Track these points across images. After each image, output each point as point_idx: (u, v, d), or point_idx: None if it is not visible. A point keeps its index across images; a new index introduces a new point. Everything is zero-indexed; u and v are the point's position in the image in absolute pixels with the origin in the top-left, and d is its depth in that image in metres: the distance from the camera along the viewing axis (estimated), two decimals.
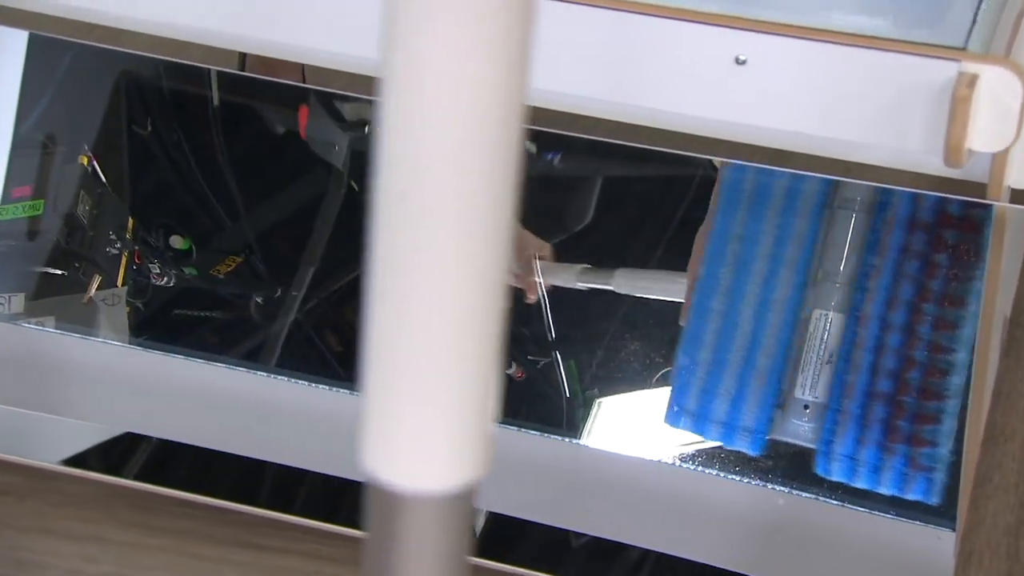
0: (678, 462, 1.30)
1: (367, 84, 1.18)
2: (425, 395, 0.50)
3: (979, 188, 1.14)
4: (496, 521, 1.25)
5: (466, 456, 0.51)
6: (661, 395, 1.29)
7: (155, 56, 1.35)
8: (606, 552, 1.25)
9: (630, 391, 1.34)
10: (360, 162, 1.43)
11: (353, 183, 1.43)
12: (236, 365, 1.36)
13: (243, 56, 1.37)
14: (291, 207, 1.51)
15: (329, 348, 1.42)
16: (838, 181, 1.29)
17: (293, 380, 1.35)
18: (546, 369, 1.37)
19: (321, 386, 1.33)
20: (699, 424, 1.31)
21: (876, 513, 1.25)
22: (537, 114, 1.26)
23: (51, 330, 1.38)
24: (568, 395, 1.35)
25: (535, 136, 1.33)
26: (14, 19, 1.15)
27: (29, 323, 1.38)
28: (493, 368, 0.50)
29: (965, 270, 1.25)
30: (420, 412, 0.50)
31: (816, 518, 1.24)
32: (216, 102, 1.47)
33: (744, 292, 1.31)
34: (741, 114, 0.99)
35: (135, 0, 1.05)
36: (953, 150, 0.91)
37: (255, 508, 1.18)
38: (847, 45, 0.95)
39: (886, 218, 1.28)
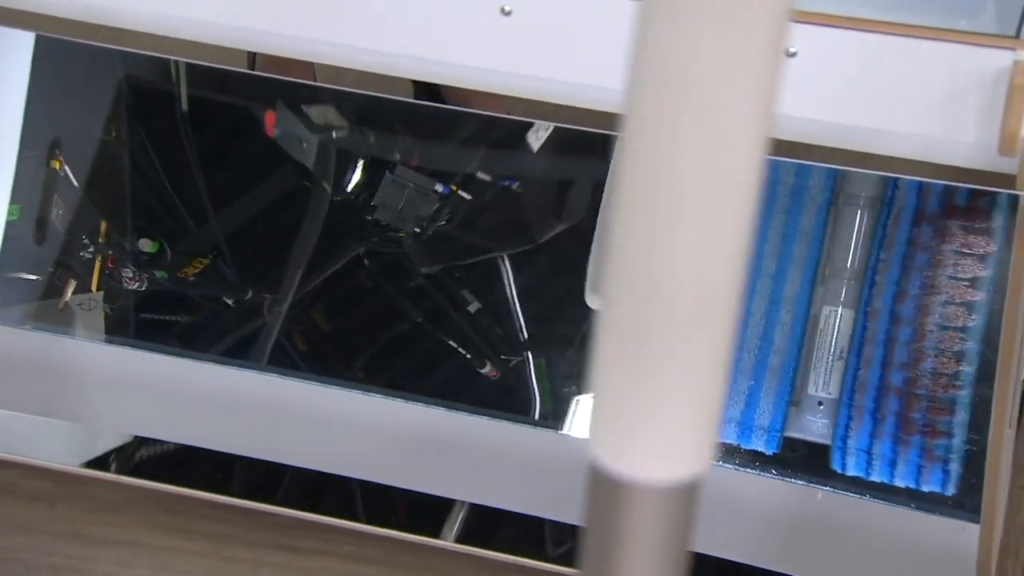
0: None
1: (377, 82, 1.16)
2: (662, 388, 0.48)
3: (997, 178, 1.15)
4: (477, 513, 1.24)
5: (697, 448, 0.50)
6: None
7: (162, 55, 1.31)
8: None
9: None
10: (328, 163, 1.41)
11: (325, 184, 1.42)
12: (237, 366, 1.34)
13: (253, 56, 1.33)
14: (259, 209, 1.49)
15: (328, 346, 1.40)
16: (843, 176, 1.30)
17: (299, 379, 1.33)
18: (519, 367, 1.37)
19: (330, 386, 1.32)
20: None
21: (900, 507, 1.25)
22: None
23: (41, 332, 1.35)
24: (540, 391, 1.35)
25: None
26: (14, 20, 1.11)
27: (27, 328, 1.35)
28: (726, 365, 0.49)
29: (973, 260, 1.26)
30: (656, 405, 0.48)
31: (839, 513, 1.24)
32: (184, 106, 1.44)
33: (754, 291, 1.31)
34: (789, 108, 0.98)
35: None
36: (1008, 139, 0.91)
37: (290, 510, 1.15)
38: (899, 36, 0.95)
39: (893, 212, 1.28)
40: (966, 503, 1.24)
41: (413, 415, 1.29)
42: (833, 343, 1.29)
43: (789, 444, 1.29)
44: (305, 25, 1.00)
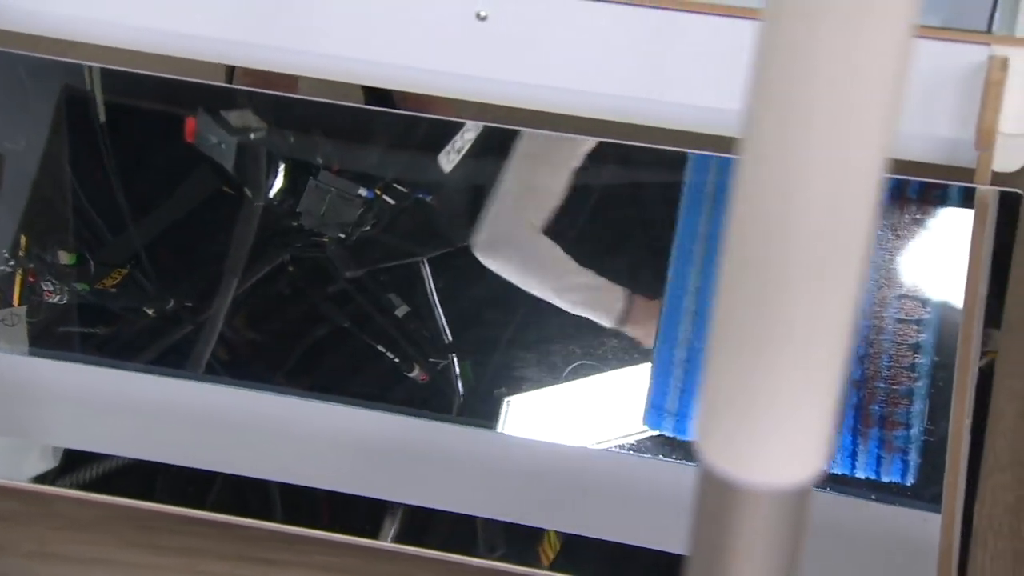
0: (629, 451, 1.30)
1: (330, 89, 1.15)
2: (779, 391, 0.48)
3: (952, 172, 1.18)
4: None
5: (811, 452, 0.50)
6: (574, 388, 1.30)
7: (136, 71, 1.28)
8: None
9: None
10: (249, 169, 1.40)
11: (247, 190, 1.40)
12: (162, 375, 1.32)
13: (231, 71, 1.31)
14: (180, 217, 1.46)
15: (255, 353, 1.38)
16: None
17: (227, 385, 1.31)
18: (447, 369, 1.37)
19: (259, 391, 1.30)
20: (680, 424, 1.31)
21: (859, 499, 1.26)
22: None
23: None
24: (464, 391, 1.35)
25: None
26: None
27: None
28: (842, 371, 0.49)
29: (925, 253, 1.29)
30: (773, 408, 0.48)
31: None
32: (102, 115, 1.42)
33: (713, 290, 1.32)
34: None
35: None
36: (985, 133, 0.93)
37: (262, 522, 1.13)
38: None
39: None
40: (924, 493, 1.26)
41: (346, 418, 1.28)
42: None
43: None
44: (283, 36, 0.99)
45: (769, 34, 0.42)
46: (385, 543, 1.15)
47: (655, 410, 1.31)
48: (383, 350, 1.37)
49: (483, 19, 0.98)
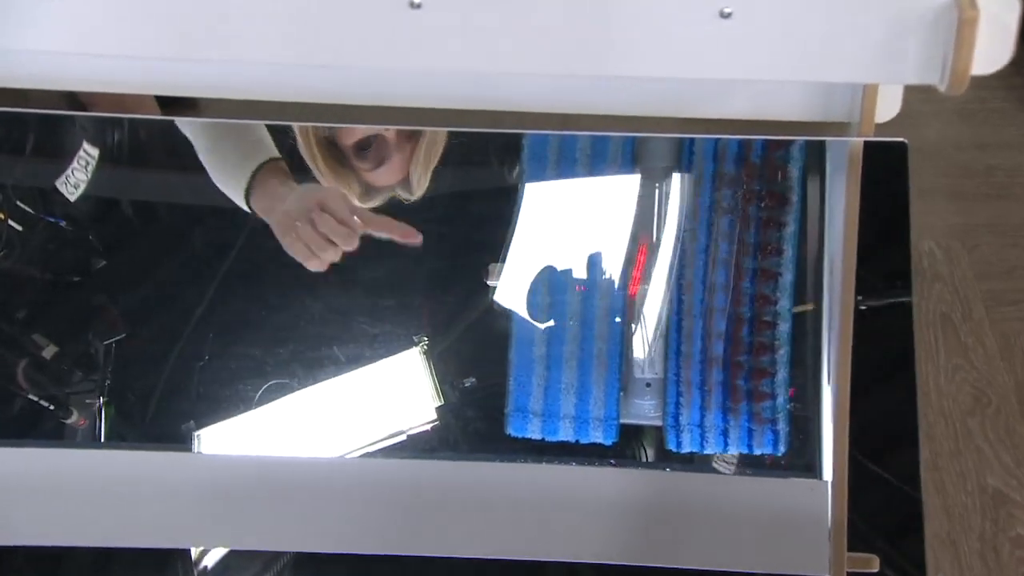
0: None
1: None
2: None
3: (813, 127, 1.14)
4: None
5: None
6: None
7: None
8: None
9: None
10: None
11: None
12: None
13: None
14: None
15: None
16: (640, 145, 1.25)
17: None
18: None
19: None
20: (548, 424, 1.24)
21: (747, 475, 1.23)
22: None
23: None
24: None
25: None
26: None
27: None
28: None
29: (776, 217, 1.25)
30: None
31: (685, 492, 1.20)
32: None
33: (564, 279, 1.25)
34: (728, 69, 0.92)
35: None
36: (959, 75, 0.88)
37: None
38: None
39: (693, 178, 1.25)
40: (801, 462, 1.23)
41: None
42: (653, 322, 1.25)
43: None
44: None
45: None
46: None
47: (519, 414, 1.24)
48: (35, 399, 1.24)
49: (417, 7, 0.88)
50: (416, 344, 1.26)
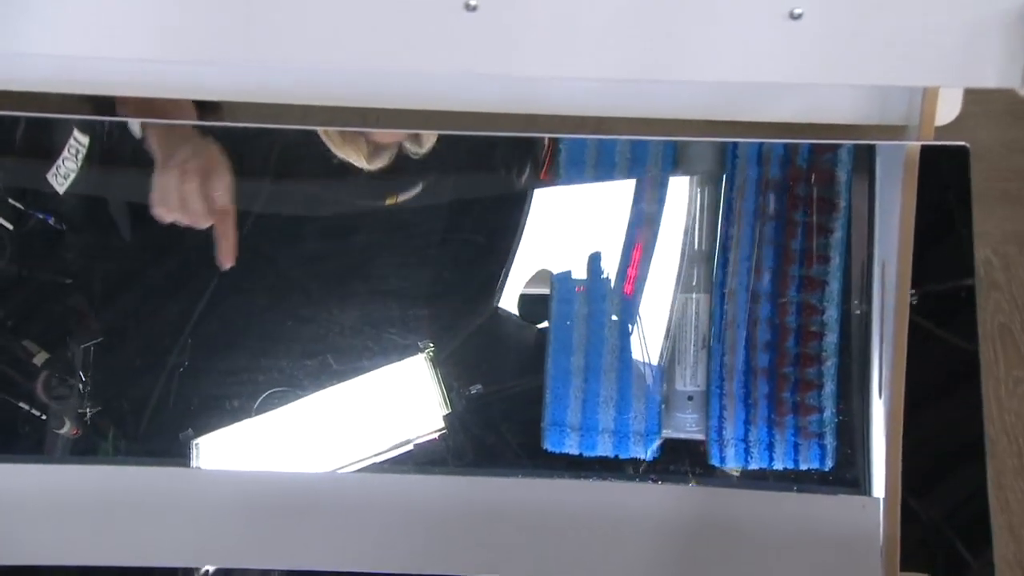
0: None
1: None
2: None
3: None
4: None
5: None
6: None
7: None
8: None
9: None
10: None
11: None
12: None
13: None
14: None
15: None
16: (682, 149, 1.21)
17: None
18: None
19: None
20: (586, 439, 1.19)
21: (799, 492, 1.18)
22: None
23: None
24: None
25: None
26: None
27: None
28: None
29: (823, 223, 1.20)
30: None
31: (730, 509, 1.16)
32: None
33: (603, 291, 1.21)
34: (797, 73, 0.88)
35: None
36: None
37: None
38: None
39: (736, 185, 1.20)
40: (855, 478, 1.18)
41: None
42: (694, 332, 1.20)
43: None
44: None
45: None
46: None
47: (556, 428, 1.19)
48: (24, 406, 1.20)
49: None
50: (421, 351, 1.22)
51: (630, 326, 1.21)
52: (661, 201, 1.21)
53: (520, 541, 1.11)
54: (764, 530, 1.15)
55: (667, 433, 1.20)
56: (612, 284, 1.21)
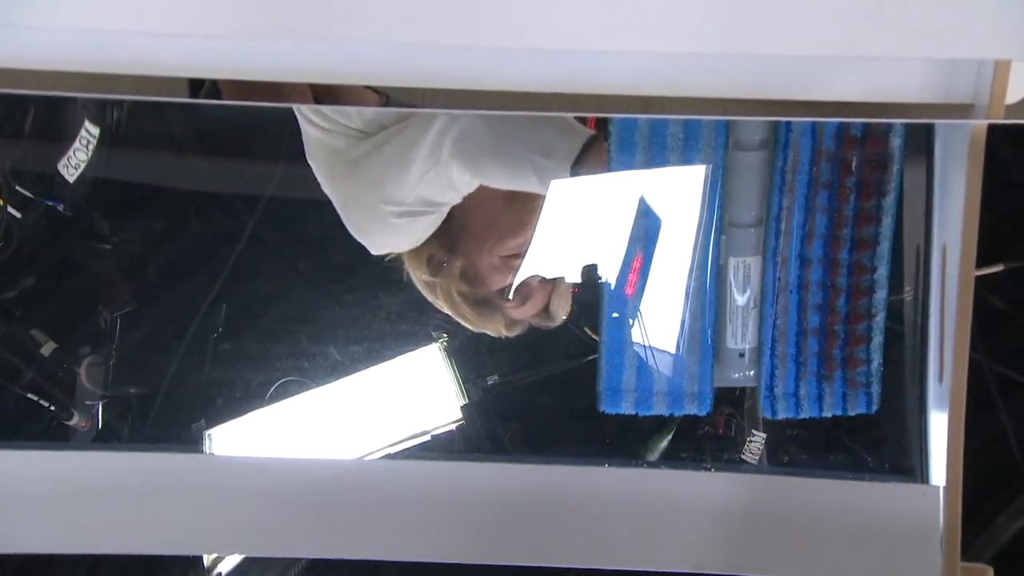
0: None
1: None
2: None
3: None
4: None
5: None
6: None
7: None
8: None
9: None
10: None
11: None
12: None
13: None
14: None
15: None
16: (730, 126, 1.19)
17: None
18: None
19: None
20: (642, 400, 1.23)
21: (857, 480, 1.18)
22: None
23: None
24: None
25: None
26: None
27: None
28: None
29: (875, 187, 1.20)
30: None
31: (784, 496, 1.17)
32: None
33: (651, 255, 1.22)
34: (872, 45, 0.87)
35: None
36: None
37: None
38: None
39: (789, 156, 1.19)
40: (911, 466, 1.18)
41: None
42: (746, 294, 1.22)
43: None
44: None
45: None
46: None
47: (611, 392, 1.23)
48: (35, 398, 1.22)
49: None
50: (436, 340, 1.24)
51: (682, 291, 1.23)
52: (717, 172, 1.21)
53: (572, 525, 1.14)
54: (821, 518, 1.16)
55: (720, 385, 1.23)
56: (662, 255, 1.22)
